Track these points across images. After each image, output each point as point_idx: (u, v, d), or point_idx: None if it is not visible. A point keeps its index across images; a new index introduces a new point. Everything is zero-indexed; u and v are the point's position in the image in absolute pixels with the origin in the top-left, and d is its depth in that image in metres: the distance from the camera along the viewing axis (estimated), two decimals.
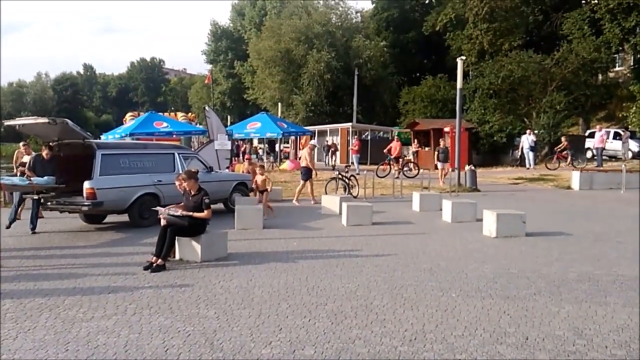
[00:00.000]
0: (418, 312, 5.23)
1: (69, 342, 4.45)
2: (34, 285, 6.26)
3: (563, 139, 24.22)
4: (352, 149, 26.92)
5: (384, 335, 4.62)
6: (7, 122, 10.79)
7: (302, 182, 15.13)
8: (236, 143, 32.43)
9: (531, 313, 5.17)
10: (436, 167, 20.27)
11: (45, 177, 9.76)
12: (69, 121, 9.66)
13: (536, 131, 25.95)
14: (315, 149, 15.83)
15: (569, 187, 17.82)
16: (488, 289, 6.04)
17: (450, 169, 18.32)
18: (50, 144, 10.47)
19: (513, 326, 4.81)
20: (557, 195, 16.29)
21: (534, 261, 7.45)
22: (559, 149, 23.51)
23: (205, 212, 7.57)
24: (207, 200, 7.61)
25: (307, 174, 14.95)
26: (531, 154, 24.78)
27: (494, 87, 28.96)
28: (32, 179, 9.68)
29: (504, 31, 32.59)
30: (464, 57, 18.71)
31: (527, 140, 24.81)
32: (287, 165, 28.53)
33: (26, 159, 12.23)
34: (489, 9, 31.98)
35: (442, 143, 20.35)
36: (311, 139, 36.99)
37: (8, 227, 9.94)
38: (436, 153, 19.45)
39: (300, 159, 15.22)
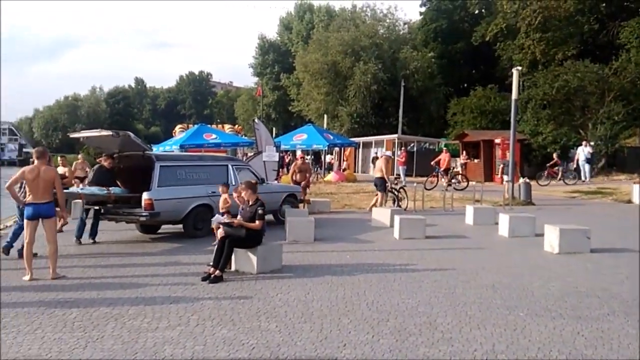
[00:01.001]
0: (486, 331, 5.05)
1: (137, 353, 4.50)
2: (98, 295, 6.38)
3: (555, 155, 24.54)
4: (398, 160, 26.65)
5: (453, 354, 4.47)
6: (72, 135, 11.19)
7: (379, 193, 14.90)
8: (281, 154, 32.69)
9: (607, 335, 4.92)
10: (488, 180, 19.80)
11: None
12: (131, 134, 9.94)
13: (592, 143, 25.11)
14: (390, 160, 15.70)
15: (629, 201, 17.08)
16: (557, 308, 5.79)
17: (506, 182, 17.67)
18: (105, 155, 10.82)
19: (590, 348, 4.58)
20: (618, 209, 15.64)
21: (602, 279, 7.13)
22: (549, 165, 23.88)
23: (257, 222, 7.57)
24: (260, 211, 7.61)
25: (383, 184, 14.78)
26: (587, 167, 23.95)
27: (548, 97, 28.22)
28: (110, 189, 9.99)
29: (558, 40, 31.81)
30: (519, 68, 18.25)
31: (582, 152, 24.03)
32: (331, 176, 28.50)
33: (60, 170, 12.64)
34: (542, 18, 31.29)
35: (508, 155, 19.32)
36: (357, 149, 36.95)
37: (80, 243, 10.01)
38: (501, 166, 18.37)
39: (375, 169, 15.16)
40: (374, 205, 14.77)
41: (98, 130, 10.70)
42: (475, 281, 7.06)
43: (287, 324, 5.29)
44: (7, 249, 8.79)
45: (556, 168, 23.79)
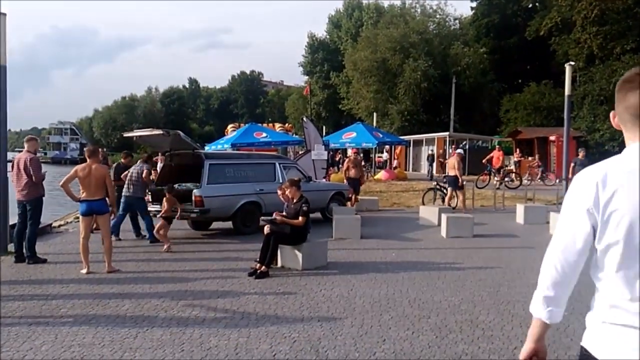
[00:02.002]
0: (527, 329, 4.99)
1: (184, 343, 4.70)
2: (150, 288, 6.67)
3: (537, 157, 25.31)
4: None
5: (492, 352, 4.47)
6: (126, 134, 11.69)
7: (458, 192, 14.93)
8: (331, 153, 32.84)
9: None
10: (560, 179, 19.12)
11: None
12: (180, 133, 10.29)
13: None
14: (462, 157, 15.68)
15: None
16: None
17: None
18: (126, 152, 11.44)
19: None
20: None
21: None
22: (532, 165, 24.50)
23: (300, 218, 7.69)
24: (304, 208, 7.73)
25: (456, 183, 14.78)
26: None
27: (605, 93, 27.25)
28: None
29: (616, 34, 30.58)
30: (572, 63, 17.69)
31: None
32: (381, 175, 28.41)
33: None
34: (599, 11, 30.16)
35: (580, 154, 17.59)
36: (408, 147, 36.62)
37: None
38: (572, 165, 16.71)
39: (448, 167, 15.18)
40: (456, 205, 14.83)
41: (150, 129, 11.13)
42: (521, 280, 6.97)
43: (328, 318, 5.39)
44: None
45: (537, 169, 23.48)
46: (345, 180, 15.06)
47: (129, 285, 6.78)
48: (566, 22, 33.46)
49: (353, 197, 14.53)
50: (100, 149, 10.98)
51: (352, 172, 14.82)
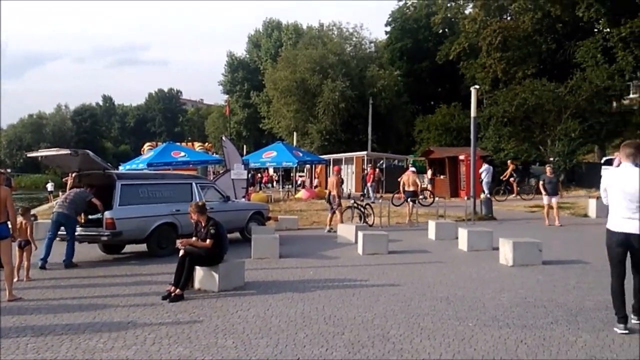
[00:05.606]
0: (435, 341, 5.23)
1: None
2: (54, 317, 6.34)
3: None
4: (367, 177, 26.97)
5: None
6: (30, 154, 11.10)
7: (413, 205, 16.46)
8: (251, 172, 32.67)
9: (548, 342, 5.15)
10: (453, 196, 20.01)
11: None
12: (90, 152, 9.93)
13: (551, 159, 25.89)
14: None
15: (585, 215, 17.66)
16: (505, 318, 6.02)
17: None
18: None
19: (530, 355, 4.80)
20: (574, 223, 16.13)
21: (551, 290, 7.41)
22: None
23: (207, 241, 7.58)
24: (212, 231, 7.62)
25: (415, 196, 16.89)
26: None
27: (508, 115, 29.01)
28: None
29: (518, 60, 32.82)
30: (477, 86, 18.82)
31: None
32: (302, 194, 28.60)
33: None
34: (502, 38, 32.30)
35: (548, 171, 16.19)
36: (328, 166, 37.10)
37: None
38: (541, 182, 15.79)
39: (407, 184, 17.00)
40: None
41: (56, 149, 10.67)
42: (430, 294, 7.26)
43: (243, 340, 5.37)
44: (44, 264, 9.32)
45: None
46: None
47: (31, 315, 6.41)
48: (473, 48, 35.53)
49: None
50: (2, 170, 10.39)
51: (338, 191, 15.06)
